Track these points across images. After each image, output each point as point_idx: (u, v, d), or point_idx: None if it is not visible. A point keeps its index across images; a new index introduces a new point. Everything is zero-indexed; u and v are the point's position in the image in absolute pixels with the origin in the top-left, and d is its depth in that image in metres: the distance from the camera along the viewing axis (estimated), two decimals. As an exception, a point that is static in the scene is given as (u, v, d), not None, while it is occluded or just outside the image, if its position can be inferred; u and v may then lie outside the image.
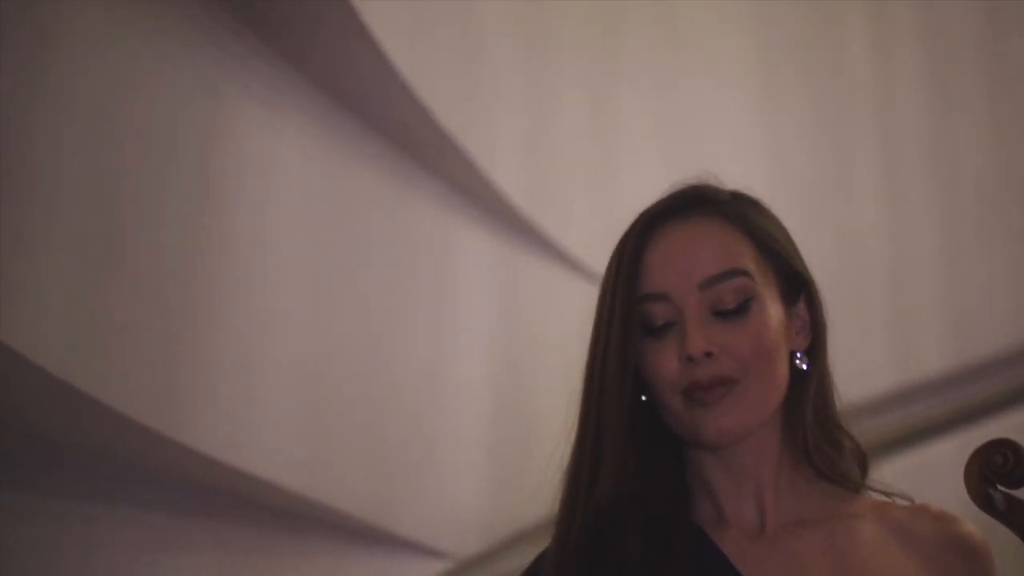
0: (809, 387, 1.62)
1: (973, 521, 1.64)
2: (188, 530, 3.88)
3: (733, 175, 5.27)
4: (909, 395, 5.77)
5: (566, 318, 4.95)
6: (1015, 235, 6.41)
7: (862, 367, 5.23)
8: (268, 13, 3.88)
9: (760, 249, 1.62)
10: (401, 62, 4.15)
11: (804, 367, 1.61)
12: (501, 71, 4.86)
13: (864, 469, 1.64)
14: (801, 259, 1.66)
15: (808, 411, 1.62)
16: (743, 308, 1.58)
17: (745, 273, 1.59)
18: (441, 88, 4.41)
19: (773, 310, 1.59)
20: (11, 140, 3.00)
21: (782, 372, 1.59)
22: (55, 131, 3.13)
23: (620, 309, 1.60)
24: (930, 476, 5.50)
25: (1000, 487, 1.54)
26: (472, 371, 4.69)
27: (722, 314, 1.57)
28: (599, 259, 4.78)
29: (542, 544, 4.91)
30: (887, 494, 1.65)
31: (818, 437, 1.62)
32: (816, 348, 1.64)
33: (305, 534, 4.10)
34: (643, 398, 1.61)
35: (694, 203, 1.64)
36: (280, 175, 4.03)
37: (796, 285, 1.64)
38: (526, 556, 4.74)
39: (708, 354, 1.54)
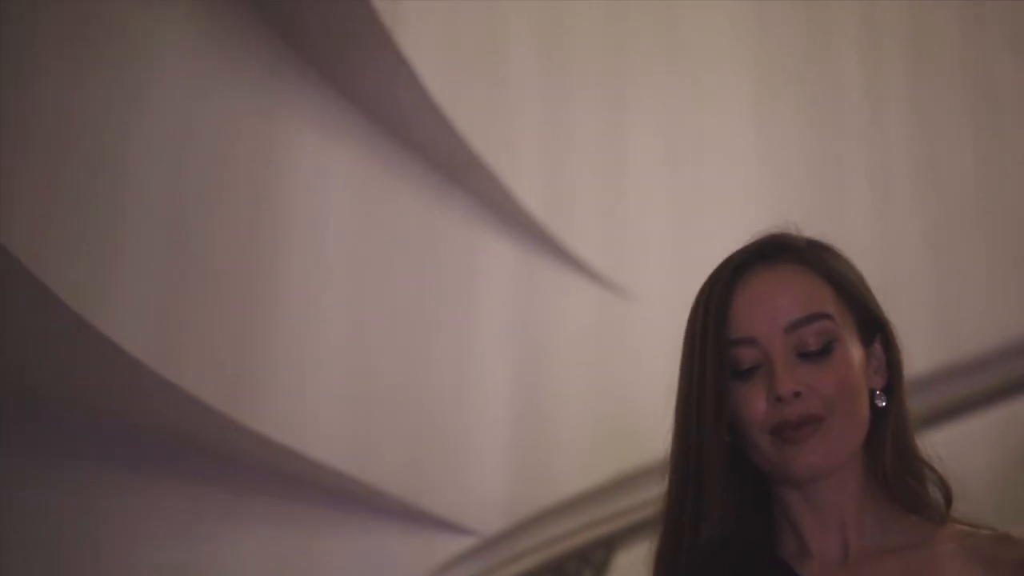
0: (888, 423, 1.63)
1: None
2: (245, 505, 4.25)
3: (733, 189, 5.58)
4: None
5: (580, 319, 5.35)
6: (995, 243, 6.61)
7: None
8: (322, 47, 4.25)
9: (839, 293, 1.65)
10: (435, 90, 4.50)
11: (882, 404, 1.63)
12: (524, 99, 5.17)
13: (948, 499, 1.63)
14: (876, 301, 1.69)
15: (888, 446, 1.62)
16: (826, 350, 1.60)
17: (828, 316, 1.61)
18: (470, 113, 4.73)
19: (854, 351, 1.61)
20: (113, 158, 3.42)
21: (864, 410, 1.60)
22: (147, 153, 3.55)
23: (712, 354, 1.62)
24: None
25: None
26: (496, 368, 5.00)
27: (806, 355, 1.59)
28: (610, 266, 5.10)
29: (558, 523, 5.22)
30: (972, 525, 1.62)
31: (899, 470, 1.62)
32: (893, 386, 1.65)
33: (350, 511, 4.45)
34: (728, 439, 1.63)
35: (775, 251, 1.67)
36: (328, 190, 4.41)
37: (872, 327, 1.66)
38: (543, 534, 5.08)
39: (797, 394, 1.56)
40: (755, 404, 1.57)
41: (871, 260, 5.91)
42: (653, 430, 4.96)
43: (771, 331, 1.59)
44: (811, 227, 5.44)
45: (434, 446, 4.74)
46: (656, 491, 4.98)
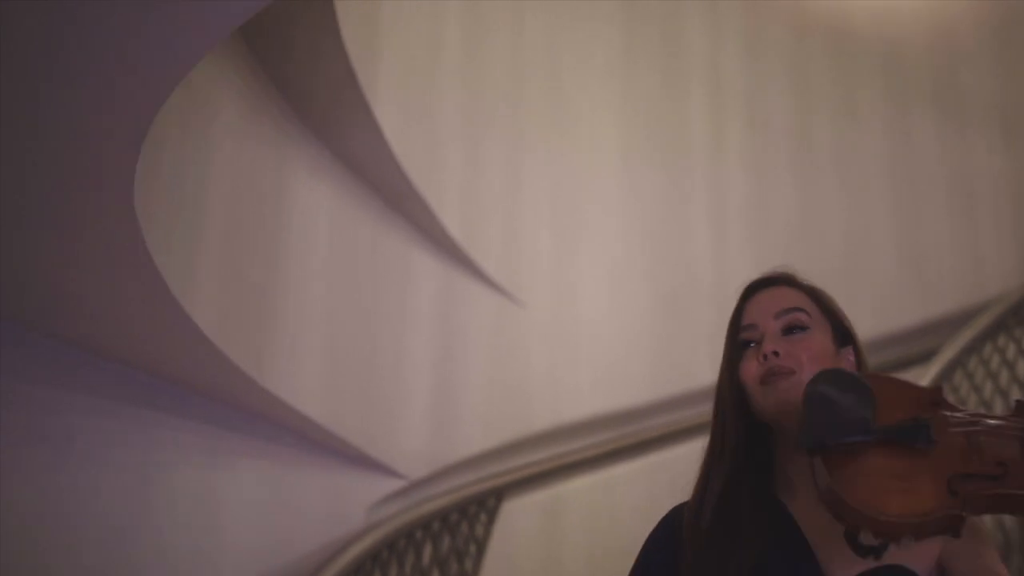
0: None
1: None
2: (245, 443, 5.76)
3: (602, 224, 7.25)
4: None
5: (483, 319, 6.95)
6: (811, 272, 7.99)
7: (688, 367, 7.05)
8: (317, 114, 5.85)
9: (818, 305, 2.21)
10: (393, 143, 6.08)
11: None
12: (450, 153, 6.73)
13: None
14: (847, 320, 2.22)
15: None
16: (801, 329, 2.16)
17: (803, 311, 2.18)
18: (414, 159, 6.29)
19: (823, 339, 2.17)
20: (195, 191, 5.01)
21: None
22: (212, 184, 5.13)
23: (730, 337, 2.22)
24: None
25: None
26: (422, 354, 6.52)
27: (788, 332, 2.15)
28: (507, 280, 6.75)
29: (463, 474, 6.79)
30: None
31: None
32: None
33: (317, 453, 5.99)
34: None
35: (775, 279, 2.27)
36: (315, 215, 5.97)
37: (845, 337, 2.22)
38: (452, 482, 6.70)
39: (776, 353, 2.11)
40: (751, 365, 2.16)
41: (708, 282, 7.53)
42: (535, 408, 6.82)
43: (765, 317, 2.19)
44: (660, 253, 7.02)
45: (378, 409, 6.26)
46: (535, 456, 6.72)
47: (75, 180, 4.10)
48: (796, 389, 2.06)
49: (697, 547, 2.10)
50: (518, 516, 6.72)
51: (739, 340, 2.20)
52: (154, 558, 5.41)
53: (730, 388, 2.19)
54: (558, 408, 7.09)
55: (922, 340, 7.89)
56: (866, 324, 7.26)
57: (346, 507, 6.08)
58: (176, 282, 4.73)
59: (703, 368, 7.09)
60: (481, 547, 6.57)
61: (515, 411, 6.89)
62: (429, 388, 6.57)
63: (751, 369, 2.15)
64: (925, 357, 7.48)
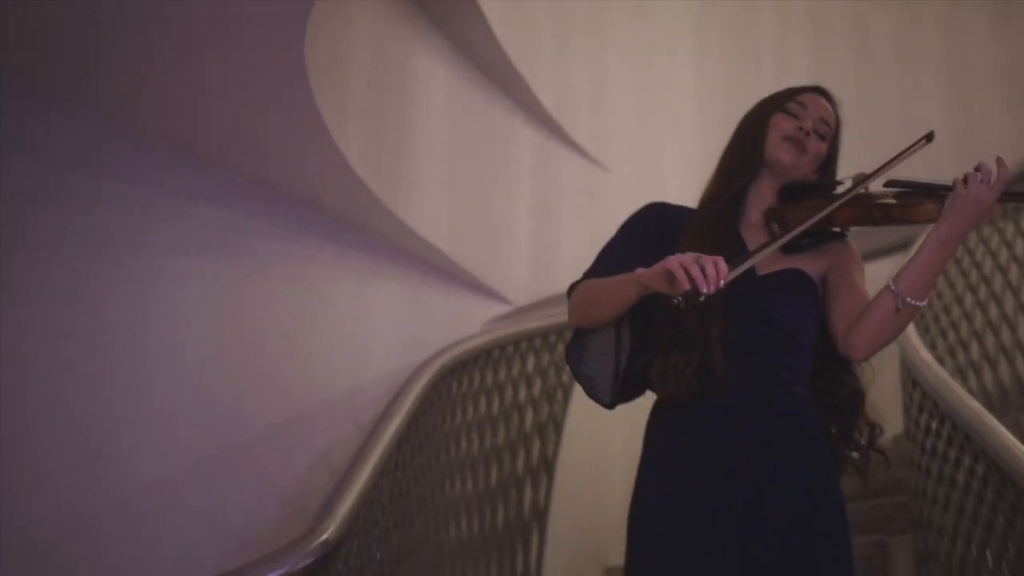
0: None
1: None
2: (382, 267, 7.29)
3: (678, 101, 8.78)
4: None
5: (576, 180, 8.35)
6: (869, 153, 8.57)
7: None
8: (433, 3, 7.55)
9: (835, 131, 3.20)
10: (497, 30, 7.64)
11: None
12: (544, 39, 8.21)
13: None
14: (837, 152, 3.24)
15: None
16: (824, 138, 3.13)
17: (831, 129, 3.15)
18: (518, 44, 7.80)
19: (825, 148, 3.15)
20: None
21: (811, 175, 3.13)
22: (348, 55, 6.75)
23: (780, 99, 3.15)
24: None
25: None
26: (524, 202, 8.06)
27: (818, 135, 3.13)
28: (596, 149, 8.91)
29: (563, 305, 8.34)
30: None
31: None
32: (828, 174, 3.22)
33: (444, 280, 7.56)
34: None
35: (831, 98, 3.22)
36: (436, 87, 7.54)
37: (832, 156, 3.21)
38: (550, 311, 8.35)
39: (808, 133, 3.11)
40: (788, 123, 3.12)
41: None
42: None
43: (815, 113, 3.16)
44: (729, 129, 8.36)
45: (490, 246, 7.83)
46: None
47: (251, 39, 5.62)
48: (796, 159, 3.12)
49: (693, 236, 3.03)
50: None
51: (788, 105, 3.18)
52: (320, 351, 7.04)
53: (759, 123, 3.17)
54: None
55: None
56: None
57: (465, 321, 7.63)
58: (332, 124, 6.23)
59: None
60: (573, 365, 8.00)
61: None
62: (530, 232, 8.07)
63: (784, 124, 3.14)
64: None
